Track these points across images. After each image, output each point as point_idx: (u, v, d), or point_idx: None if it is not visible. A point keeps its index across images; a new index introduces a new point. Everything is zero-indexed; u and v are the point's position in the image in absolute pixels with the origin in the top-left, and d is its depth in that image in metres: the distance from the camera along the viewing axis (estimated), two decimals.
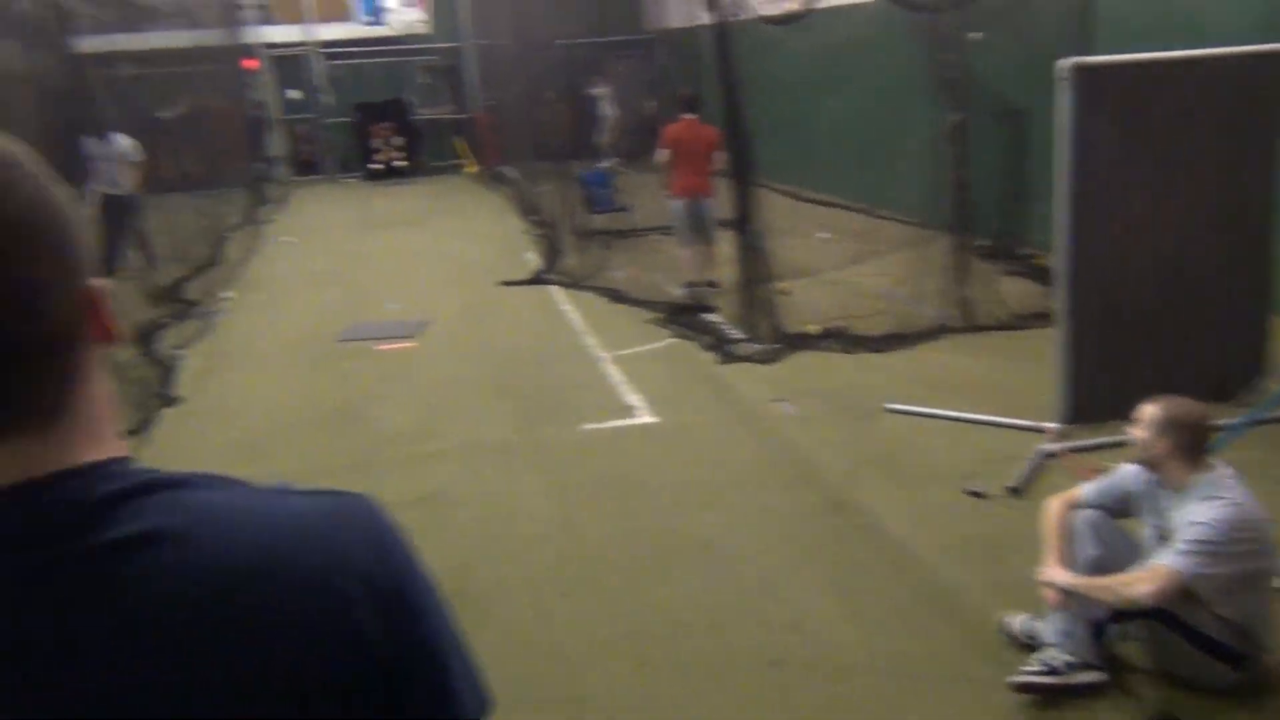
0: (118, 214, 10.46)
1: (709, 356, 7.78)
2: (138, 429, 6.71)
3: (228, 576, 0.79)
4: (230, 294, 10.99)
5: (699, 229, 9.37)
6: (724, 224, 8.95)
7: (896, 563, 4.59)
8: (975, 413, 6.15)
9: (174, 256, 11.40)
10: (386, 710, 0.84)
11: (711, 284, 9.38)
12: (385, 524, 0.90)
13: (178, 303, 10.19)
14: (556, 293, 10.19)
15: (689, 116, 9.26)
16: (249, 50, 19.85)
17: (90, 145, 10.49)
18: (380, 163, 20.59)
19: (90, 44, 10.63)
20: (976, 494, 5.14)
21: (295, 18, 20.77)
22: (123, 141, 10.69)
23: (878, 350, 7.60)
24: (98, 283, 0.85)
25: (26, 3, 9.04)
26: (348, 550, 0.85)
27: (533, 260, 11.81)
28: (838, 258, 10.12)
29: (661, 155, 9.34)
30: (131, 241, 10.85)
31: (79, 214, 0.84)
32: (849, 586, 4.42)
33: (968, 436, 5.95)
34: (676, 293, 9.38)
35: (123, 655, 0.76)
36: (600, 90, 18.80)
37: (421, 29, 20.92)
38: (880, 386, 6.85)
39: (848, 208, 12.61)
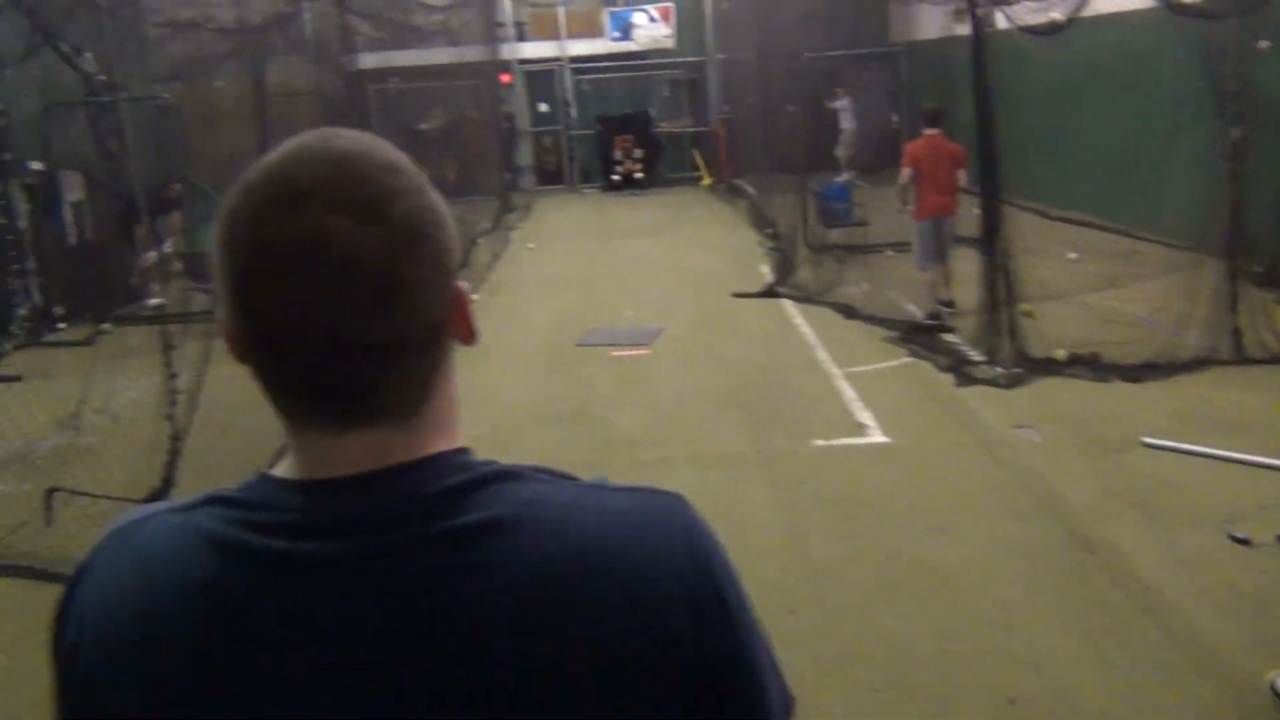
0: None
1: (946, 378, 7.54)
2: None
3: (561, 567, 0.82)
4: (476, 296, 11.56)
5: (942, 250, 9.07)
6: (968, 241, 8.66)
7: (1148, 607, 4.29)
8: (1242, 452, 5.67)
9: None
10: (696, 711, 0.84)
11: (949, 304, 9.10)
12: (703, 526, 0.91)
13: None
14: (789, 306, 10.15)
15: (931, 132, 8.98)
16: (505, 65, 20.89)
17: None
18: (620, 173, 21.14)
19: (366, 60, 11.44)
20: (1241, 540, 4.73)
21: (549, 34, 21.68)
22: None
23: (1132, 379, 7.13)
24: (462, 284, 0.90)
25: (313, 23, 9.83)
26: (670, 549, 0.86)
27: (766, 273, 11.81)
28: (1090, 280, 9.57)
29: (904, 175, 9.04)
30: None
31: (450, 216, 0.89)
32: (1093, 628, 4.17)
33: (1233, 478, 5.49)
34: (919, 317, 9.12)
35: (457, 642, 0.80)
36: (840, 103, 18.57)
37: (666, 44, 21.36)
38: (1134, 418, 6.43)
39: (1102, 227, 11.90)
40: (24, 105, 10.24)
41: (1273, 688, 3.58)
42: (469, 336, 0.92)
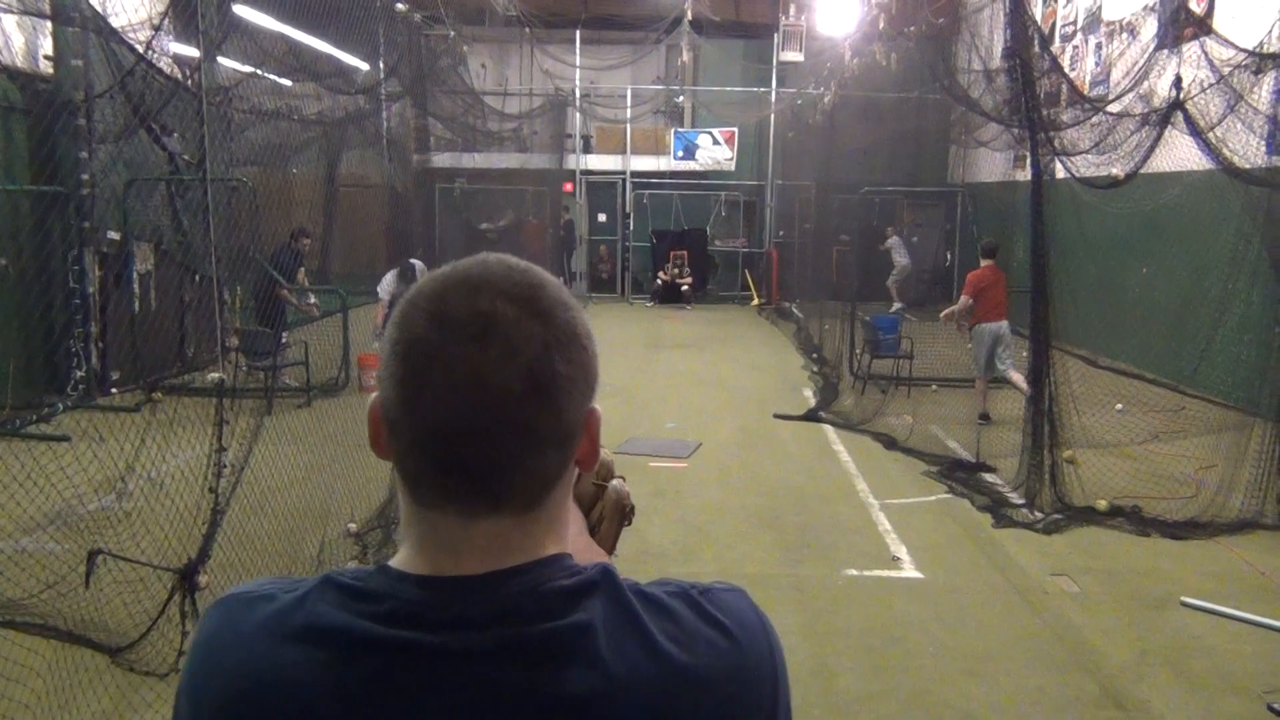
0: None
1: (984, 517, 7.47)
2: None
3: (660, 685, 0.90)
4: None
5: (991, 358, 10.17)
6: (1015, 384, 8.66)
7: None
8: None
9: None
10: None
11: (984, 416, 10.06)
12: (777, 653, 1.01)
13: None
14: (830, 432, 10.14)
15: (989, 262, 10.35)
16: (569, 174, 21.50)
17: (417, 269, 11.59)
18: (671, 287, 21.44)
19: (436, 159, 11.82)
20: None
21: (614, 149, 22.33)
22: (419, 265, 11.68)
23: (1174, 536, 7.02)
24: (599, 409, 0.97)
25: (391, 120, 10.22)
26: (752, 684, 0.96)
27: (809, 397, 11.85)
28: (1135, 432, 9.50)
29: (965, 302, 10.30)
30: None
31: (595, 345, 0.97)
32: None
33: (1274, 646, 5.35)
34: (961, 454, 9.10)
35: None
36: (890, 242, 18.87)
37: (727, 167, 21.88)
38: (1174, 576, 6.32)
39: (1150, 380, 11.84)
40: (111, 179, 10.69)
41: (1271, 708, 3.44)
42: (591, 458, 0.98)
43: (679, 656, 0.90)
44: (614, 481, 1.44)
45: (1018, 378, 9.77)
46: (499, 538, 0.92)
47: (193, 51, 6.61)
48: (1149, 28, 10.32)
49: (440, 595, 0.89)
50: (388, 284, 11.84)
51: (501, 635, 0.87)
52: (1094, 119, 8.57)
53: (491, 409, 0.87)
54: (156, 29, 6.90)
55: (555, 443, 0.92)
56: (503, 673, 0.86)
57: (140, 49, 7.56)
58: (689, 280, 21.44)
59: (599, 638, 0.88)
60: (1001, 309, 10.25)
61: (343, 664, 0.87)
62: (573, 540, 1.02)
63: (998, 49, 9.33)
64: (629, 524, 1.39)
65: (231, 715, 0.89)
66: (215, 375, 5.25)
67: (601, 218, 22.97)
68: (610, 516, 1.42)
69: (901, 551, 6.77)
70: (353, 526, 6.60)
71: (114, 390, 10.64)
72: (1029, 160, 7.79)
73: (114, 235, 10.90)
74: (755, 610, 1.00)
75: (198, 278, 10.83)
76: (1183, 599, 5.90)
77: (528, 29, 18.62)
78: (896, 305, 17.46)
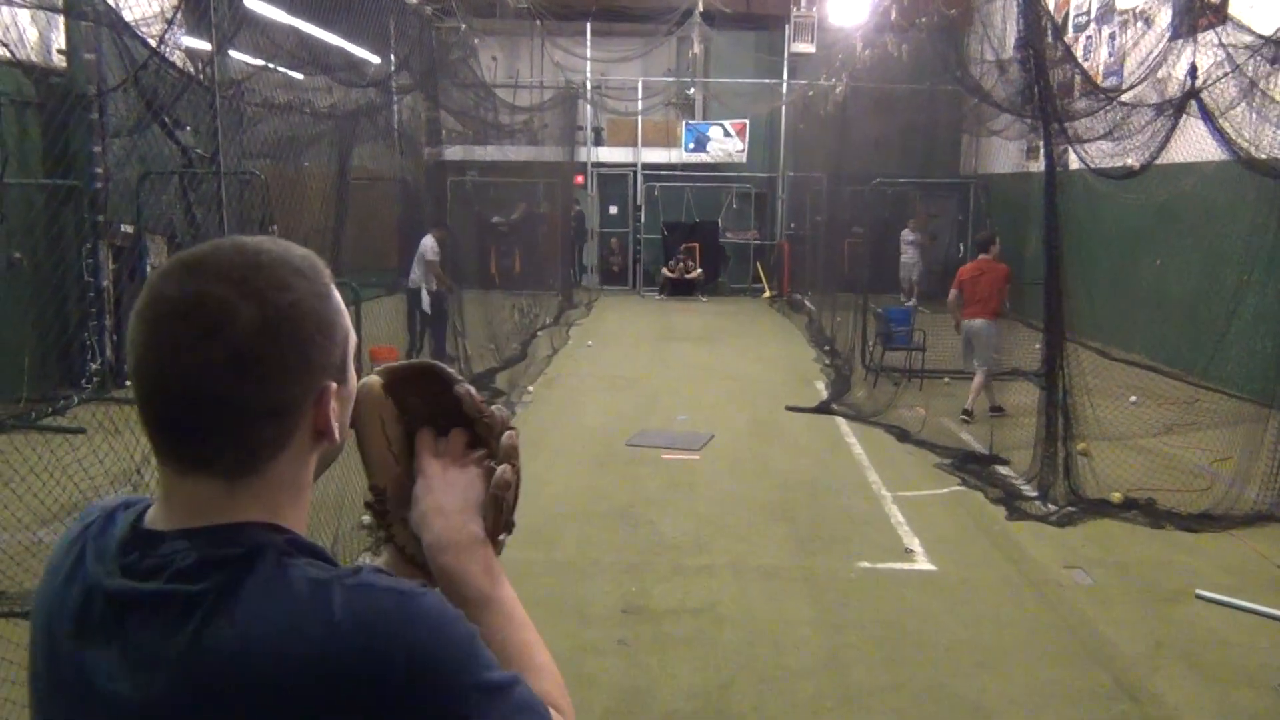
0: (432, 307, 11.58)
1: (997, 510, 7.45)
2: None
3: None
4: (532, 389, 11.69)
5: (985, 357, 10.07)
6: (1029, 375, 8.64)
7: None
8: None
9: (491, 348, 12.32)
10: None
11: (968, 413, 9.96)
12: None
13: (486, 391, 10.96)
14: (842, 424, 10.13)
15: (984, 256, 10.34)
16: (580, 167, 21.49)
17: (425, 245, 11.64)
18: (682, 279, 21.43)
19: (448, 152, 11.81)
20: None
21: (625, 141, 22.31)
22: (426, 241, 11.74)
23: (1188, 529, 6.99)
24: (331, 386, 1.03)
25: (403, 113, 10.22)
26: (330, 679, 0.95)
27: (821, 389, 11.83)
28: (1149, 424, 9.46)
29: (951, 295, 10.37)
30: (449, 333, 11.91)
31: (345, 329, 1.06)
32: None
33: None
34: (974, 446, 9.09)
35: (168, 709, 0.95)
36: (908, 231, 18.79)
37: (739, 159, 21.84)
38: (1188, 568, 6.30)
39: (1165, 373, 11.80)
40: (125, 173, 10.73)
41: None
42: (327, 433, 1.05)
43: (262, 635, 0.93)
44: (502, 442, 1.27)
45: (976, 384, 10.02)
46: (198, 497, 1.00)
47: (205, 45, 6.63)
48: (1164, 16, 10.23)
49: (139, 545, 1.01)
50: (431, 247, 11.92)
51: (156, 590, 0.96)
52: (1108, 109, 8.52)
53: (189, 381, 0.96)
54: (169, 23, 6.92)
55: (266, 415, 0.99)
56: (144, 625, 0.96)
57: (153, 43, 7.58)
58: (697, 273, 21.41)
59: (222, 607, 0.94)
60: (985, 307, 10.06)
61: (68, 597, 1.02)
62: (449, 511, 1.17)
63: (1010, 39, 9.29)
64: (507, 498, 1.23)
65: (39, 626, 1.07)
66: None
67: (612, 210, 22.96)
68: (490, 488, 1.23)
69: (914, 544, 6.76)
70: (366, 519, 6.62)
71: (129, 383, 10.70)
72: (1042, 151, 7.76)
73: (128, 229, 10.94)
74: (390, 616, 0.95)
75: None
76: (1197, 592, 5.88)
77: (539, 21, 18.60)
78: (911, 299, 17.41)
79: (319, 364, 1.02)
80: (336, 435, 1.06)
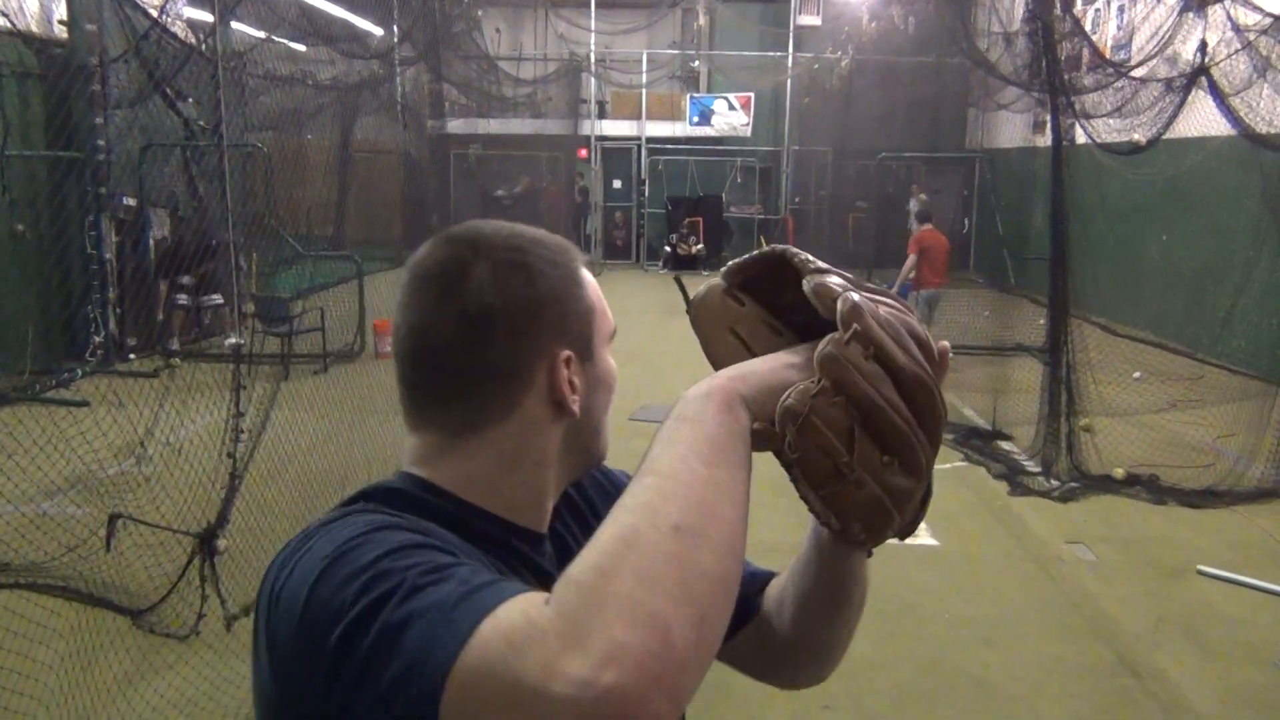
0: None
1: (1000, 485, 7.45)
2: None
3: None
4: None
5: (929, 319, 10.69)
6: (1032, 351, 8.62)
7: None
8: None
9: None
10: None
11: None
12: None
13: None
14: None
15: (927, 226, 11.13)
16: (584, 140, 21.39)
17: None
18: (686, 253, 21.36)
19: (451, 125, 11.74)
20: None
21: (629, 114, 22.18)
22: None
23: (1191, 505, 6.99)
24: (567, 355, 1.02)
25: (406, 86, 10.16)
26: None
27: None
28: (1153, 400, 9.44)
29: (909, 261, 10.93)
30: None
31: (582, 295, 1.06)
32: None
33: None
34: (978, 422, 9.09)
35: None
36: (914, 202, 18.68)
37: (743, 132, 21.71)
38: (1191, 544, 6.30)
39: (1170, 349, 11.77)
40: (127, 145, 10.68)
41: None
42: (561, 407, 1.03)
43: (280, 561, 0.92)
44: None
45: None
46: (414, 450, 1.04)
47: (207, 16, 6.59)
48: None
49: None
50: None
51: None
52: (1116, 84, 8.46)
53: (423, 338, 1.00)
54: None
55: (493, 376, 1.00)
56: None
57: (154, 13, 7.54)
58: (699, 248, 21.34)
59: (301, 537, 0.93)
60: (940, 275, 11.06)
61: None
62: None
63: (1018, 12, 9.21)
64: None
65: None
66: (233, 340, 5.27)
67: (616, 184, 22.86)
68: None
69: None
70: None
71: (132, 356, 10.70)
72: (1049, 126, 7.71)
73: (130, 201, 10.92)
74: (319, 530, 0.92)
75: (215, 244, 10.87)
76: (1200, 568, 5.89)
77: None
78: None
79: (551, 329, 1.02)
80: (575, 409, 1.03)
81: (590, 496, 1.20)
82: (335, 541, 0.87)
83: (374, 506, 0.96)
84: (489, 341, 0.98)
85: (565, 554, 0.98)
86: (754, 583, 1.26)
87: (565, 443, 1.05)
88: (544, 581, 0.86)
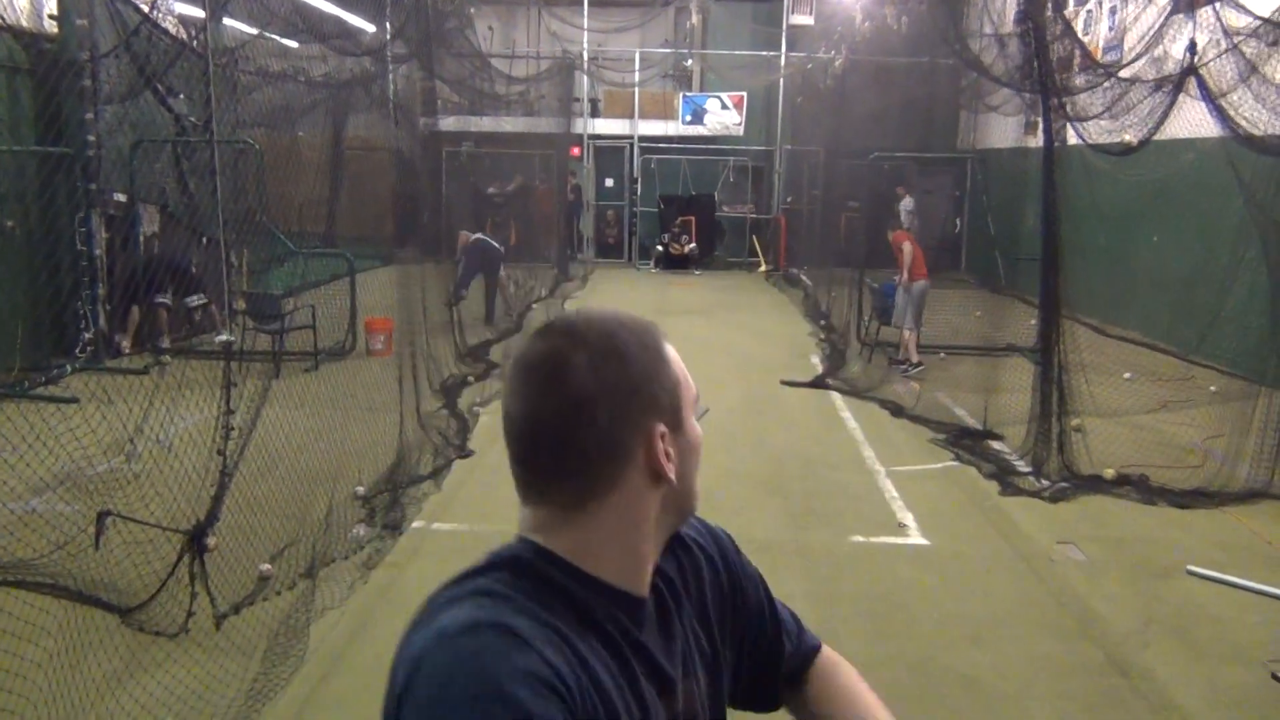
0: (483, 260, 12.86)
1: (990, 485, 7.47)
2: (433, 475, 7.24)
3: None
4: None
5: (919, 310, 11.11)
6: (1023, 351, 8.64)
7: None
8: None
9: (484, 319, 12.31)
10: None
11: (917, 365, 11.00)
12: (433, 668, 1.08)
13: (482, 363, 10.95)
14: (837, 399, 10.14)
15: (901, 231, 11.48)
16: (576, 139, 21.37)
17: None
18: (678, 252, 21.38)
19: (443, 123, 11.72)
20: None
21: (622, 113, 22.17)
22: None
23: (1180, 505, 7.02)
24: (661, 429, 1.15)
25: (398, 83, 10.14)
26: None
27: (816, 364, 11.84)
28: (1143, 400, 9.48)
29: (907, 254, 11.02)
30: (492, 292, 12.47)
31: (669, 373, 1.19)
32: None
33: (1279, 616, 5.37)
34: (969, 422, 9.11)
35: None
36: (905, 202, 18.69)
37: (736, 131, 21.72)
38: (1180, 545, 6.32)
39: (1159, 349, 11.81)
40: (117, 141, 10.64)
41: (1275, 677, 3.49)
42: (659, 476, 1.15)
43: (410, 636, 1.10)
44: None
45: (915, 340, 11.18)
46: (530, 519, 1.16)
47: (198, 11, 6.55)
48: None
49: None
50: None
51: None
52: (1107, 84, 8.47)
53: (532, 424, 1.12)
54: None
55: (597, 455, 1.12)
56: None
57: (145, 8, 7.50)
58: (691, 247, 21.34)
59: (429, 607, 1.12)
60: (923, 269, 11.30)
61: None
62: None
63: (1010, 13, 9.21)
64: None
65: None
66: (224, 337, 5.25)
67: (609, 182, 22.86)
68: None
69: (908, 518, 6.78)
70: (360, 490, 6.63)
71: (127, 348, 10.67)
72: (1041, 127, 7.72)
73: (120, 197, 10.87)
74: (421, 638, 1.07)
75: (204, 240, 10.83)
76: (1189, 568, 5.91)
77: None
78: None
79: (646, 408, 1.15)
80: (672, 477, 1.15)
81: (691, 553, 1.35)
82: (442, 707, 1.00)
83: (502, 591, 1.09)
84: (592, 425, 1.10)
85: (664, 612, 1.22)
86: (802, 654, 1.51)
87: (663, 505, 1.18)
88: (641, 657, 1.14)
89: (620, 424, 1.12)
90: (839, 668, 1.51)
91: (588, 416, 1.10)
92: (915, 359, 11.05)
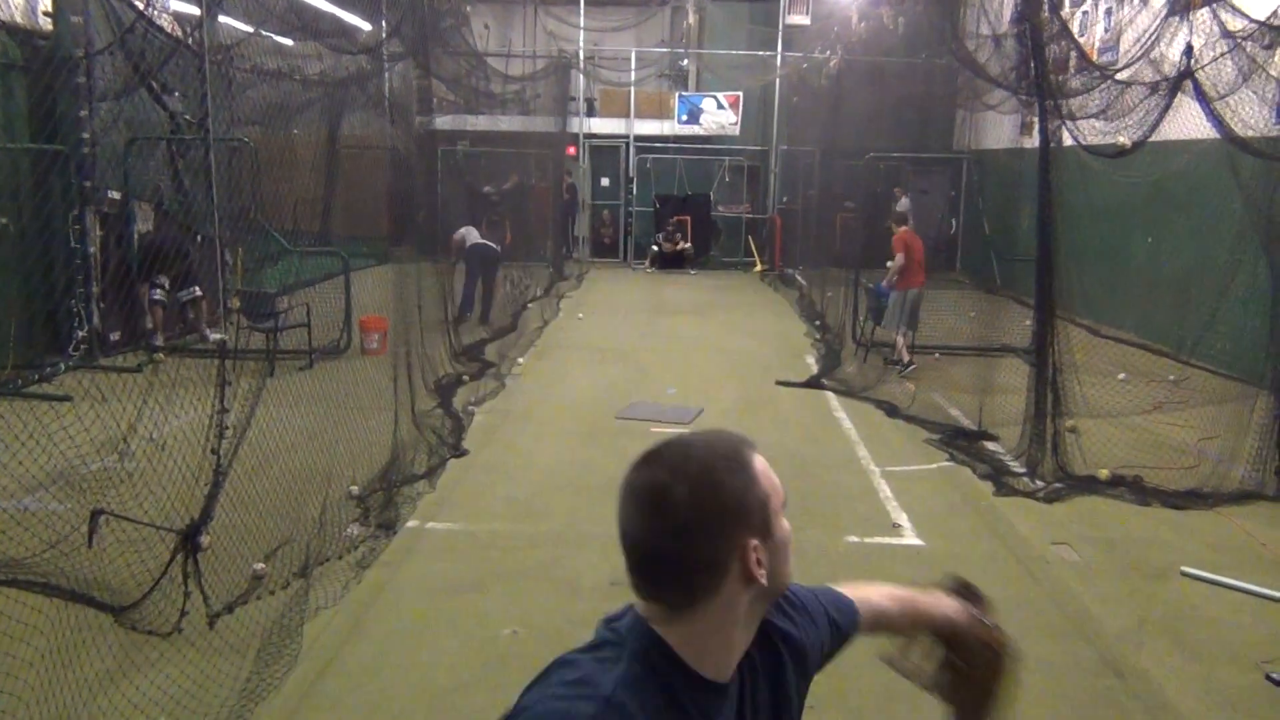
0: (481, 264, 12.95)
1: (985, 485, 7.47)
2: (427, 474, 7.22)
3: None
4: (523, 360, 11.67)
5: (913, 318, 11.27)
6: (1018, 352, 8.65)
7: None
8: None
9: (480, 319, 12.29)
10: None
11: (908, 364, 11.08)
12: None
13: (476, 362, 10.94)
14: (832, 399, 10.14)
15: (904, 228, 11.45)
16: (572, 138, 21.36)
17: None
18: (673, 252, 21.37)
19: (439, 122, 11.70)
20: (1278, 682, 4.61)
21: (618, 113, 22.17)
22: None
23: (1174, 506, 7.03)
24: (753, 543, 1.32)
25: (394, 82, 10.12)
26: None
27: (811, 364, 11.84)
28: (1137, 401, 9.49)
29: (898, 260, 11.16)
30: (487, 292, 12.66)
31: (757, 491, 1.34)
32: None
33: (1273, 616, 5.38)
34: (964, 422, 9.12)
35: None
36: (907, 199, 18.66)
37: (732, 131, 21.72)
38: (1174, 545, 6.34)
39: (1154, 351, 11.84)
40: (112, 138, 10.60)
41: (1269, 678, 3.50)
42: (751, 580, 1.33)
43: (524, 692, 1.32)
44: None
45: (907, 342, 11.25)
46: (648, 609, 1.37)
47: (193, 9, 6.54)
48: None
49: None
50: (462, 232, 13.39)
51: None
52: (1103, 86, 8.47)
53: (643, 543, 1.32)
54: None
55: (700, 568, 1.31)
56: None
57: (140, 5, 7.48)
58: (685, 246, 21.33)
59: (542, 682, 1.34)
60: (920, 275, 11.32)
61: None
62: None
63: (1007, 13, 9.23)
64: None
65: None
66: (217, 335, 5.23)
67: (605, 182, 22.85)
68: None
69: (902, 519, 6.78)
70: (354, 489, 6.61)
71: (117, 351, 10.64)
72: (1037, 127, 7.72)
73: (115, 195, 10.84)
74: (521, 703, 1.30)
75: (199, 238, 10.80)
76: (1183, 569, 5.91)
77: None
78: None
79: (740, 527, 1.32)
80: (763, 580, 1.34)
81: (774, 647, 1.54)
82: None
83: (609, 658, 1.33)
84: (691, 546, 1.29)
85: (741, 696, 1.43)
86: (851, 612, 1.79)
87: (753, 599, 1.37)
88: None
89: (716, 544, 1.30)
90: (867, 595, 1.85)
91: (687, 541, 1.29)
92: (907, 359, 11.05)
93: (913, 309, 11.32)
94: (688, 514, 1.29)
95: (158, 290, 10.88)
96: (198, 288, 11.03)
